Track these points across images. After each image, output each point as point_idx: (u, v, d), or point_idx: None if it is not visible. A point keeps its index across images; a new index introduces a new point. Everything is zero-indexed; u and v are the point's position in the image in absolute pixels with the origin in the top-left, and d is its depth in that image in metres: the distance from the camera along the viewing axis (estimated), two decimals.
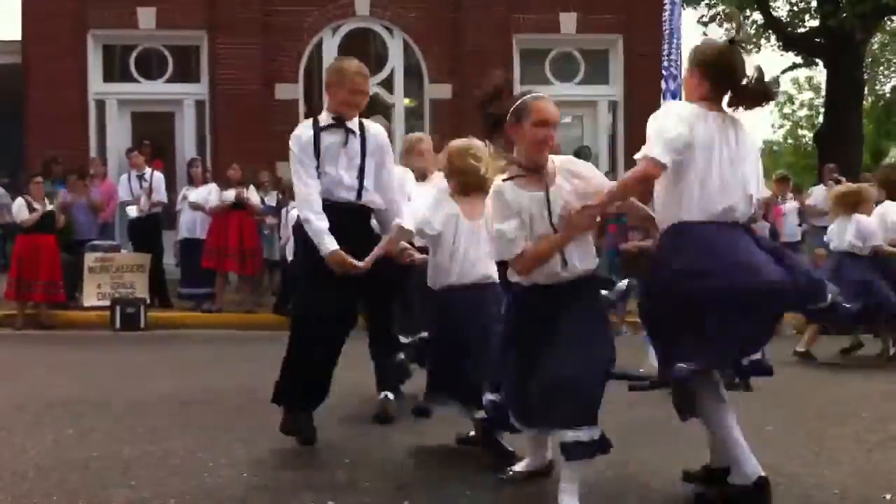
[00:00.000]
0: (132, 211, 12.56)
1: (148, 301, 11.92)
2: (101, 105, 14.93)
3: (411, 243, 5.27)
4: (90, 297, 11.98)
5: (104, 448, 5.13)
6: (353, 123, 5.10)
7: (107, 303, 11.62)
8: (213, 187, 12.10)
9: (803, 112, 42.05)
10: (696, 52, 4.11)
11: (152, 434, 5.49)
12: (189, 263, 12.29)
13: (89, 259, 12.04)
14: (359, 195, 5.04)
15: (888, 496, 4.27)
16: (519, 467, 4.47)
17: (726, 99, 4.03)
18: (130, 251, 12.71)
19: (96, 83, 14.90)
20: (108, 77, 15.09)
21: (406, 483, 4.45)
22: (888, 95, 31.79)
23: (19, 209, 11.32)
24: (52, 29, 14.42)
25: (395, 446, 5.20)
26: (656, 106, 5.01)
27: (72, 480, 4.46)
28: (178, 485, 4.41)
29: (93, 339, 10.58)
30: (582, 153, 12.44)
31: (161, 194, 12.83)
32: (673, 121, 3.89)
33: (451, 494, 4.28)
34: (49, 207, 11.45)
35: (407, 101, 15.37)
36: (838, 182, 11.74)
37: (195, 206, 12.17)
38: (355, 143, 5.05)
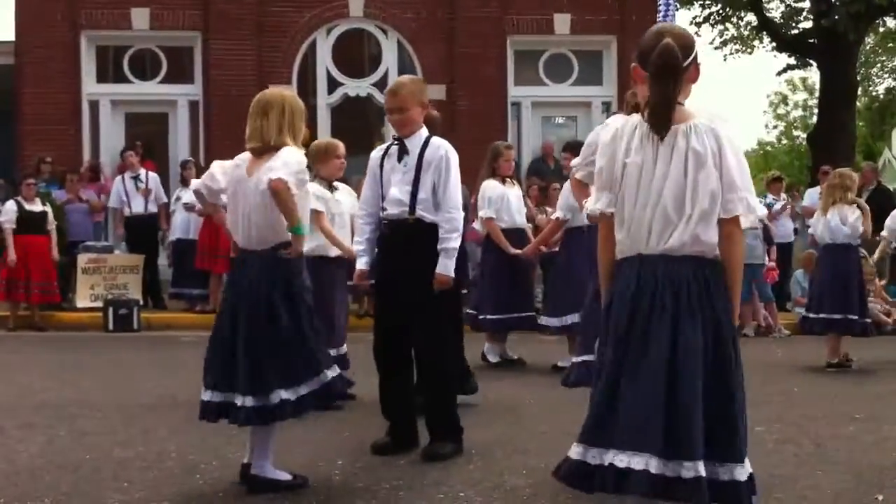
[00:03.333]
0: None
1: (141, 302, 11.89)
2: (94, 106, 14.87)
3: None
4: (83, 299, 11.95)
5: (97, 449, 5.11)
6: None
7: (100, 304, 11.58)
8: None
9: (797, 113, 42.19)
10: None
11: (145, 435, 5.48)
12: (182, 264, 12.26)
13: (82, 260, 12.01)
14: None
15: (881, 497, 4.28)
16: None
17: None
18: (124, 252, 12.68)
19: (90, 84, 14.83)
20: (102, 78, 15.03)
21: (400, 484, 4.44)
22: (881, 97, 31.87)
23: (9, 210, 11.24)
24: (46, 30, 14.36)
25: None
26: None
27: (64, 482, 4.45)
28: (171, 486, 4.40)
29: (86, 340, 10.55)
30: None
31: (161, 195, 12.93)
32: None
33: (444, 496, 4.27)
34: (41, 208, 11.39)
35: None
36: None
37: (188, 208, 12.15)
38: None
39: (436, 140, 5.11)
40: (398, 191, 5.02)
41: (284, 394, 4.23)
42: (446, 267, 4.97)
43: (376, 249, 5.21)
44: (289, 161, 4.27)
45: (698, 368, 3.03)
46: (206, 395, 4.36)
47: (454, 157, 5.07)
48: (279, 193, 4.21)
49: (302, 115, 4.48)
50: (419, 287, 4.96)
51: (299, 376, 4.29)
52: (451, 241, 4.98)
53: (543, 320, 8.29)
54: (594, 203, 3.27)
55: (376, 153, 5.27)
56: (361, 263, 5.22)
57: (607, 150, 3.24)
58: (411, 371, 5.18)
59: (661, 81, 3.09)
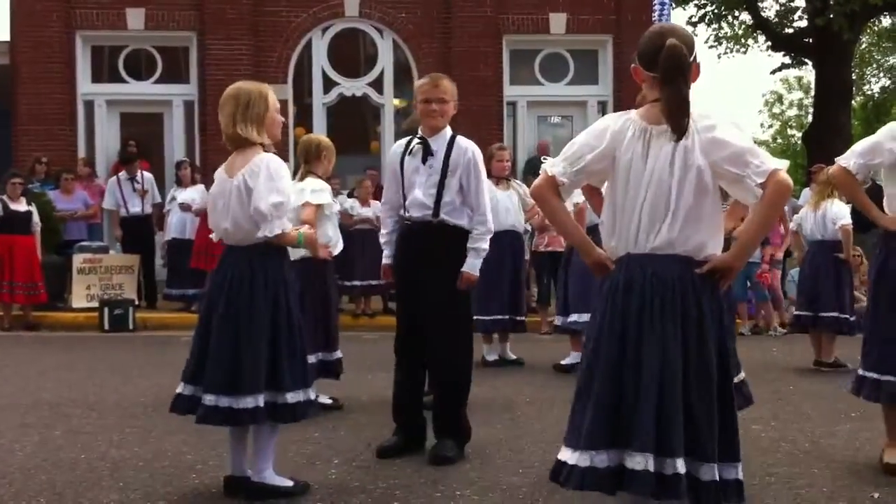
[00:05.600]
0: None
1: (136, 302, 11.88)
2: (89, 106, 14.86)
3: None
4: (79, 299, 11.92)
5: (92, 449, 5.11)
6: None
7: (95, 304, 11.56)
8: (200, 188, 12.08)
9: (792, 112, 42.26)
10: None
11: (140, 435, 5.47)
12: (177, 264, 12.25)
13: (77, 260, 11.98)
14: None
15: (876, 495, 4.28)
16: None
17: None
18: (119, 252, 12.67)
19: (85, 84, 14.83)
20: (97, 78, 15.02)
21: (396, 484, 4.44)
22: (877, 96, 31.93)
23: None
24: (41, 30, 14.36)
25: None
26: None
27: (59, 482, 4.44)
28: (167, 486, 4.40)
29: (81, 340, 10.53)
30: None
31: (156, 194, 12.94)
32: None
33: (441, 495, 4.27)
34: (26, 208, 11.29)
35: (396, 101, 15.35)
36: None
37: (184, 207, 12.15)
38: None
39: (462, 141, 4.98)
40: (422, 193, 4.91)
41: (249, 398, 4.05)
42: (474, 266, 4.94)
43: (397, 248, 5.11)
44: (265, 202, 4.07)
45: (678, 369, 3.04)
46: (179, 388, 4.26)
47: (481, 157, 5.01)
48: (281, 241, 4.19)
49: (263, 99, 4.20)
50: (439, 289, 4.89)
51: (270, 383, 4.13)
52: (483, 243, 4.96)
53: (558, 320, 8.22)
54: (551, 166, 3.27)
55: (396, 149, 5.13)
56: (387, 258, 5.17)
57: (593, 132, 3.25)
58: (424, 372, 5.11)
59: (675, 83, 3.07)
